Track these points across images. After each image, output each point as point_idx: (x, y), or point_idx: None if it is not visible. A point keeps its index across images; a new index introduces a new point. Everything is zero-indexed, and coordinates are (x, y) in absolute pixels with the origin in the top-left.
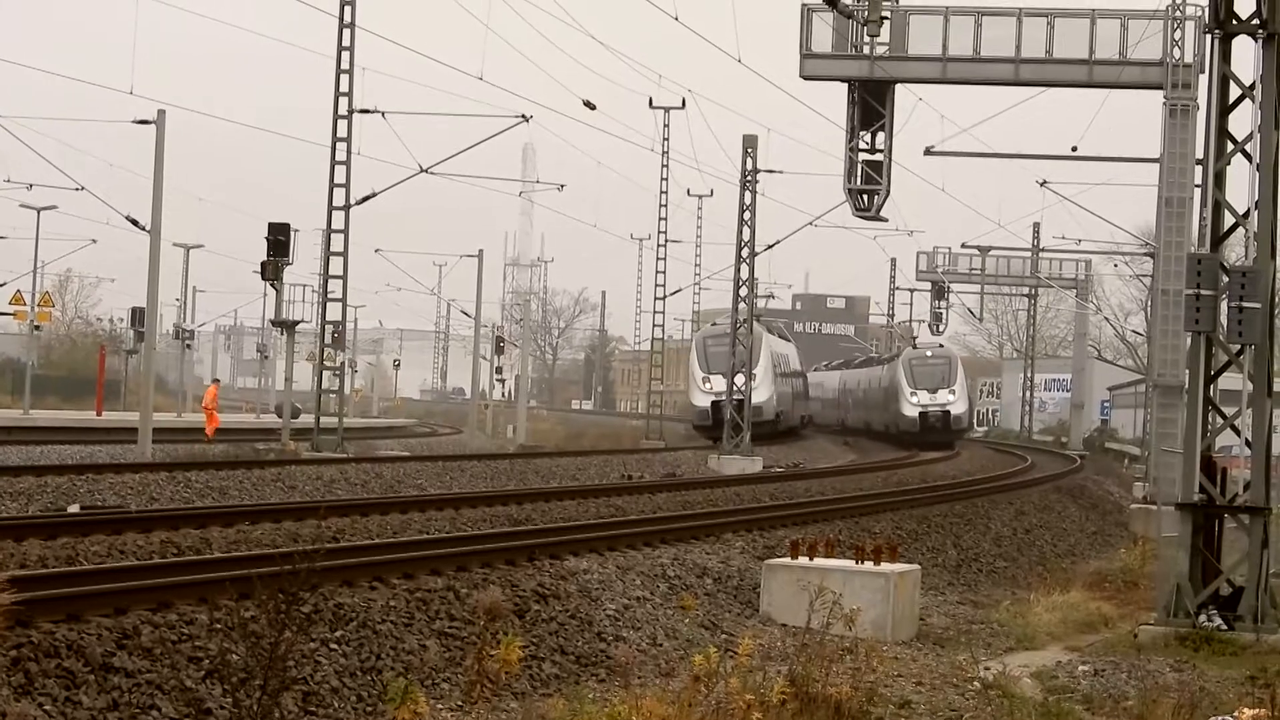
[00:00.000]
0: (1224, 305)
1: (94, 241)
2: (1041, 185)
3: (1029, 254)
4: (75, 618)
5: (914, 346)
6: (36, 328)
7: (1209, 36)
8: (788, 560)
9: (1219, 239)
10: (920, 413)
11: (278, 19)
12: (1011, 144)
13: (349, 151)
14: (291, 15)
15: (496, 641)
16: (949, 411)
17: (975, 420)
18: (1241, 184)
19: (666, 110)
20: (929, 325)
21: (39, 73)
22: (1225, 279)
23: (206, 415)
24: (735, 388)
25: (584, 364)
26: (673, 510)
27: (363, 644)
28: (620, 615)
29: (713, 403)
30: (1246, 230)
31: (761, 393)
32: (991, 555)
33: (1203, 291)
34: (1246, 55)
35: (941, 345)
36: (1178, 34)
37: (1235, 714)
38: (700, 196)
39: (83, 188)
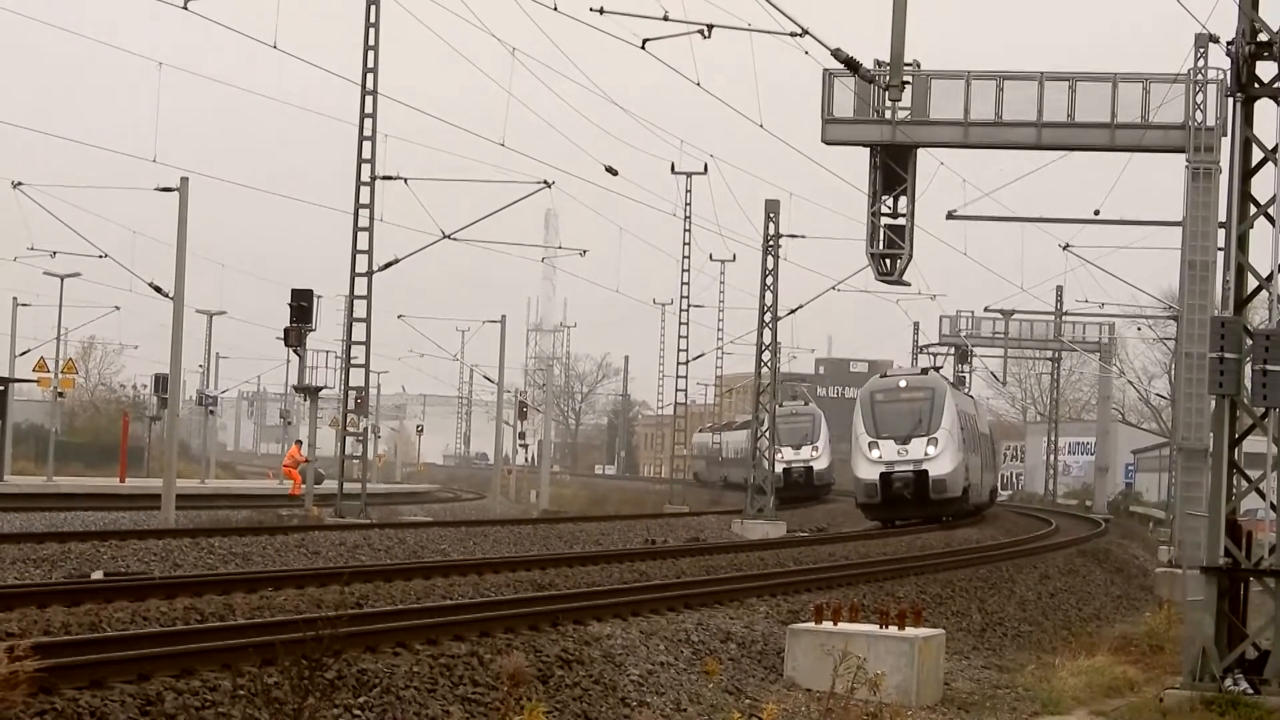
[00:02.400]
0: (1248, 368)
1: (117, 308)
2: (1064, 249)
3: (1052, 317)
4: (99, 684)
5: (883, 375)
6: (60, 395)
7: (1231, 100)
8: (812, 625)
9: (1242, 302)
10: (882, 474)
11: (301, 86)
12: (1034, 207)
13: (371, 218)
14: (314, 82)
15: (520, 707)
16: (926, 471)
17: (995, 484)
18: (1264, 247)
19: (689, 175)
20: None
21: (62, 140)
22: (1249, 342)
23: (290, 476)
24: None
25: (607, 429)
26: (696, 575)
27: (386, 710)
28: (644, 680)
29: (784, 469)
30: (1270, 293)
31: (823, 460)
32: (1016, 619)
33: (1226, 355)
34: (1269, 118)
35: (926, 372)
36: (1200, 97)
37: None
38: (723, 261)
39: (106, 255)
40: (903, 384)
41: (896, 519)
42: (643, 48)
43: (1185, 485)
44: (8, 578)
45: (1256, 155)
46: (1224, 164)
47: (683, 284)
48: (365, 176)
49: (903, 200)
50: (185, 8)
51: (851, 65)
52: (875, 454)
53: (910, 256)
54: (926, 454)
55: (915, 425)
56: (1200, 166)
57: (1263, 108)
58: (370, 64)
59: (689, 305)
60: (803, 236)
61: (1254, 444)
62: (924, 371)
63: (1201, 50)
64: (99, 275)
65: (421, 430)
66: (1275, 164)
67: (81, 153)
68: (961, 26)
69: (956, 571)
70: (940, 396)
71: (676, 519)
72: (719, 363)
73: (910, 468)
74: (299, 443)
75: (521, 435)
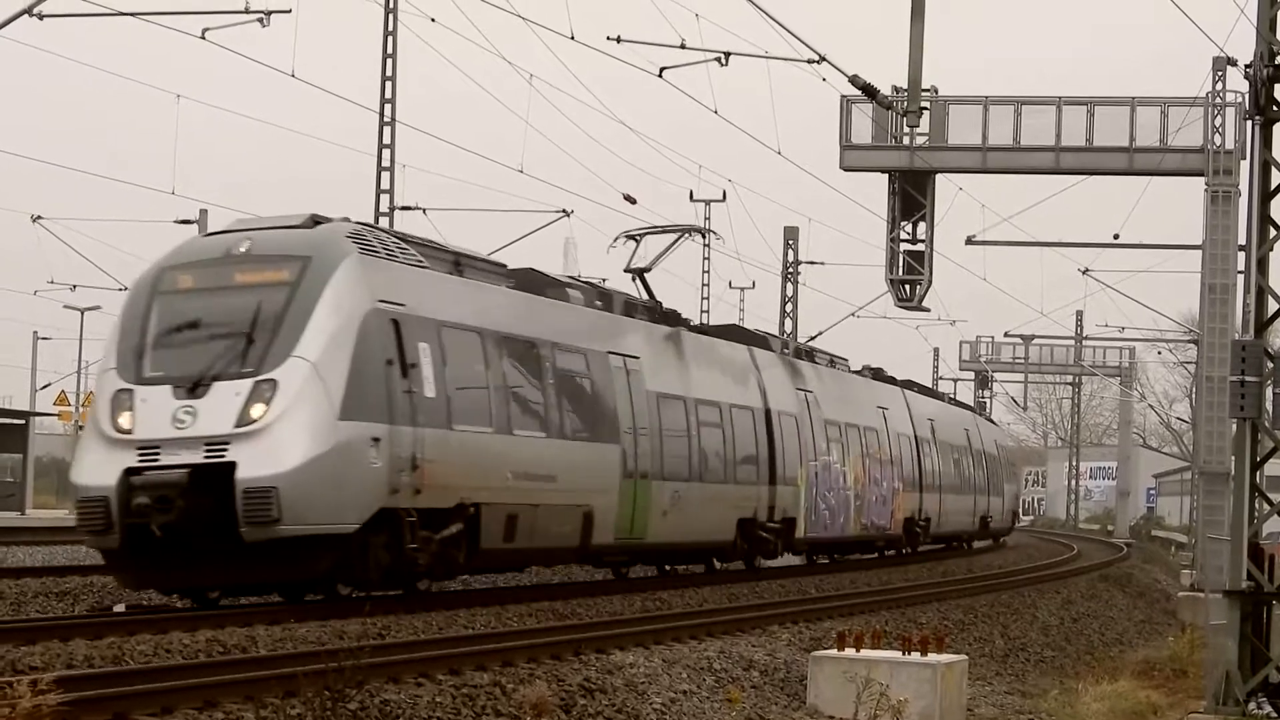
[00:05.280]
0: (1269, 391)
1: None
2: (1084, 273)
3: (1072, 342)
4: (122, 717)
5: (208, 235)
6: (80, 428)
7: (1250, 123)
8: (834, 651)
9: (1263, 325)
10: (127, 471)
11: (319, 117)
12: (1053, 232)
13: None
14: (333, 113)
15: None
16: (231, 465)
17: (1016, 509)
18: None
19: (707, 203)
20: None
21: (81, 174)
22: (1270, 365)
23: None
24: None
25: None
26: (718, 603)
27: None
28: (666, 709)
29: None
30: None
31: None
32: (1039, 644)
33: (1247, 378)
34: None
35: (315, 223)
36: (1218, 120)
37: None
38: (742, 289)
39: (126, 288)
40: (242, 248)
41: (170, 587)
42: (660, 76)
43: (1207, 509)
44: (30, 611)
45: (1276, 178)
46: (1243, 187)
47: (702, 311)
48: (384, 207)
49: (921, 226)
50: (202, 37)
51: (869, 91)
52: (123, 422)
53: (930, 282)
54: (246, 420)
55: (233, 351)
56: (1219, 189)
57: None
58: (388, 94)
59: None
60: (822, 263)
61: (1275, 467)
62: (313, 222)
63: (1219, 73)
64: (119, 308)
65: None
66: None
67: (101, 186)
68: (977, 48)
69: (978, 597)
70: (319, 277)
71: None
72: None
73: (191, 457)
74: None
75: None
